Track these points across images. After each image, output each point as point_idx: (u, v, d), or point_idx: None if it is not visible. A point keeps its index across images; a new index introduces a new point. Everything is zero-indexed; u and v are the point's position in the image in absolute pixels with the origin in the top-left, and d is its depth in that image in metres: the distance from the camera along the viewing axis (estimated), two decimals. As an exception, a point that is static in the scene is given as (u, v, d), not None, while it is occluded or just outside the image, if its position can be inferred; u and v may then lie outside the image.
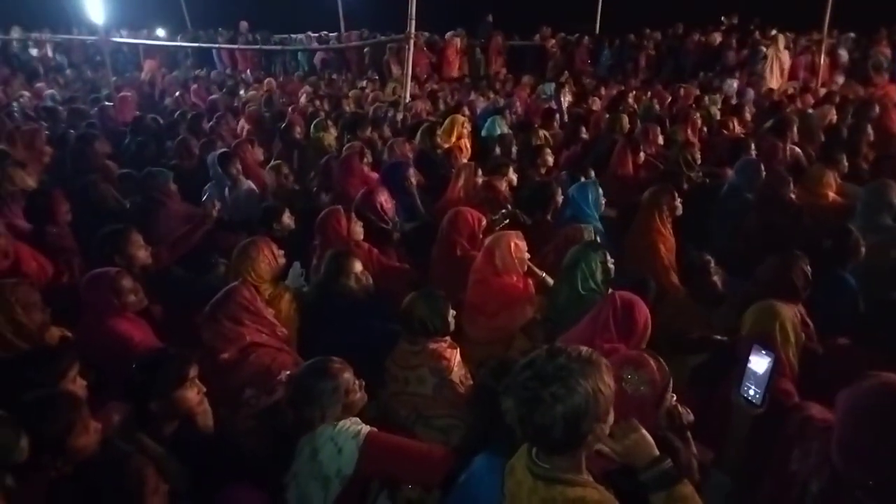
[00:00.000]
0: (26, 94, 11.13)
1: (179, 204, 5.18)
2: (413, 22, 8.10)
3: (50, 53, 15.34)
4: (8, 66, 13.96)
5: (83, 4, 10.98)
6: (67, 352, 2.56)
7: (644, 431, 1.68)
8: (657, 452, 1.67)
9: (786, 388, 2.62)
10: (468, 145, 6.87)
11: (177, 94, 11.20)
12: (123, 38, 14.39)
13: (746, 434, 2.30)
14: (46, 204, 4.34)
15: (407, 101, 8.68)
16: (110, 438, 2.14)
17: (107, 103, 9.62)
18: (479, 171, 5.17)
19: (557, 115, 8.02)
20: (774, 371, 2.16)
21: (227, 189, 5.47)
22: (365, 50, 14.33)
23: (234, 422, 2.76)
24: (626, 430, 1.67)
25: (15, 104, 10.09)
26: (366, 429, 2.30)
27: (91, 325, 3.12)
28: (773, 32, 12.13)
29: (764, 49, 11.50)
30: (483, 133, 7.57)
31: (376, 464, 2.26)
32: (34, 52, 14.64)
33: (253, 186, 5.59)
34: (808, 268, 3.14)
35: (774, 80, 11.37)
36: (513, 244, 3.64)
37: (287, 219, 4.32)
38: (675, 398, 2.27)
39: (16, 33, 14.55)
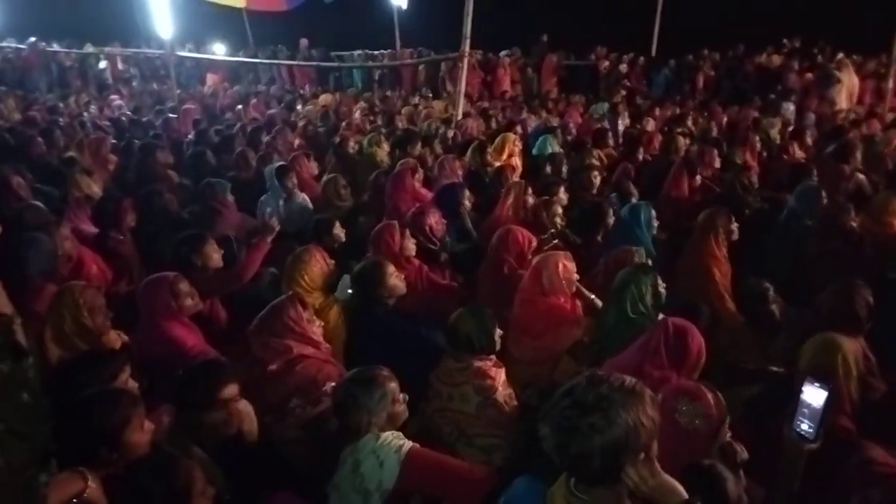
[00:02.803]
0: (94, 105, 11.67)
1: (236, 214, 5.33)
2: (467, 41, 8.17)
3: (120, 66, 16.05)
4: (81, 78, 14.67)
5: (152, 20, 11.49)
6: (120, 354, 2.65)
7: (666, 477, 1.59)
8: (685, 495, 1.59)
9: (845, 425, 2.51)
10: (519, 164, 6.85)
11: (238, 107, 11.53)
12: (188, 54, 14.94)
13: (799, 472, 2.21)
14: (115, 210, 4.53)
15: (459, 118, 8.74)
16: (159, 442, 2.20)
17: (171, 115, 9.99)
18: (529, 190, 5.15)
19: (611, 135, 7.93)
20: (830, 405, 2.07)
21: (281, 201, 5.59)
22: (420, 67, 14.52)
23: (279, 430, 2.80)
24: (644, 476, 1.56)
25: (85, 114, 10.58)
26: (408, 444, 2.30)
27: (146, 330, 3.22)
28: (840, 56, 11.77)
29: (837, 73, 11.15)
30: (534, 152, 7.54)
31: (417, 480, 2.25)
32: (103, 64, 15.33)
33: (307, 199, 5.70)
34: (871, 298, 3.01)
35: (844, 105, 11.00)
36: (561, 265, 3.60)
37: (338, 231, 4.39)
38: (729, 434, 2.20)
39: (89, 48, 15.28)
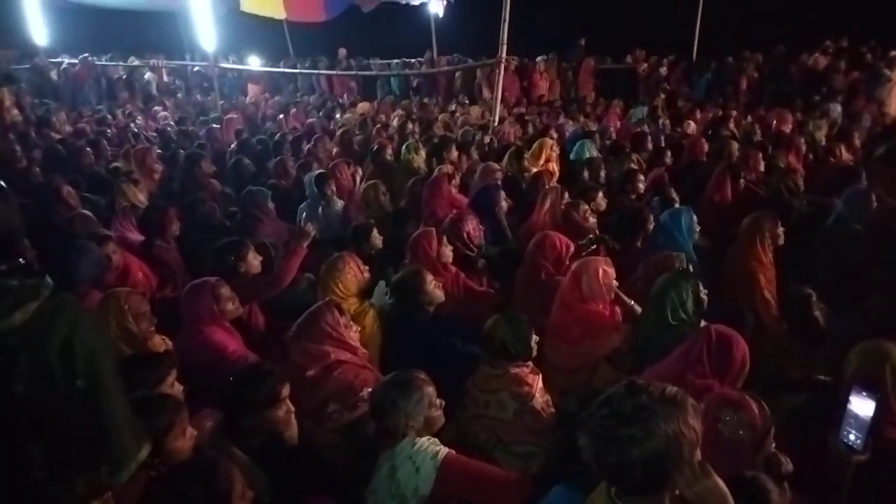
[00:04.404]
0: (140, 116, 12.01)
1: (276, 221, 5.41)
2: (504, 46, 8.17)
3: (165, 78, 16.53)
4: (129, 90, 15.12)
5: (196, 34, 11.81)
6: (167, 358, 2.71)
7: (717, 479, 1.56)
8: (731, 502, 1.55)
9: (893, 437, 2.41)
10: (556, 169, 6.80)
11: (279, 117, 11.73)
12: (231, 65, 15.29)
13: (847, 484, 2.14)
14: (160, 219, 4.65)
15: (496, 124, 8.73)
16: (201, 445, 2.24)
17: (214, 126, 10.21)
18: (566, 195, 5.11)
19: (650, 139, 7.79)
20: (878, 415, 2.00)
21: (320, 208, 5.66)
22: (456, 74, 14.57)
23: (317, 435, 2.83)
24: (697, 476, 1.54)
25: (132, 125, 10.90)
26: (444, 450, 2.31)
27: (189, 335, 3.29)
28: (893, 54, 11.36)
29: (888, 72, 10.75)
30: (571, 157, 7.49)
31: (453, 486, 2.25)
32: (148, 75, 15.80)
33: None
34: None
35: (895, 106, 10.61)
36: (601, 270, 3.56)
37: (375, 238, 4.42)
38: (774, 444, 2.14)
39: (133, 62, 15.79)
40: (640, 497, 1.55)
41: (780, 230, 4.20)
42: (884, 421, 2.30)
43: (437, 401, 2.42)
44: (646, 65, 14.16)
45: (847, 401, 2.06)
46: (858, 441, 2.02)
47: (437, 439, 2.37)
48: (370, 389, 2.66)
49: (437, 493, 2.22)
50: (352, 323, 3.23)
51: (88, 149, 7.55)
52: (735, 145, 6.82)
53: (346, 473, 2.67)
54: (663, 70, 13.82)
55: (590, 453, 1.52)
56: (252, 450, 2.36)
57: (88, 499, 1.62)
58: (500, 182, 5.93)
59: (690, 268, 3.95)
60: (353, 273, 3.69)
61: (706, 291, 3.38)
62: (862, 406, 2.01)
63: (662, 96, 12.15)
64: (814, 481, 2.26)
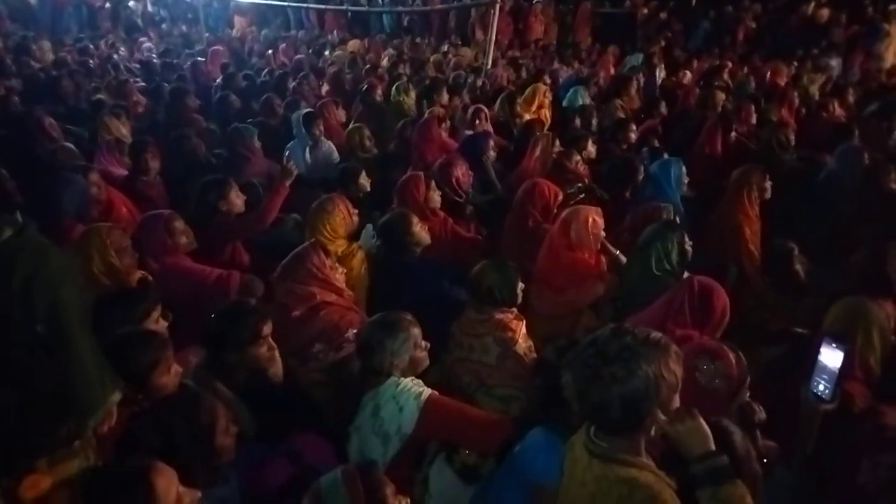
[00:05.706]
0: (122, 47, 11.64)
1: (262, 160, 5.33)
2: (500, -14, 7.95)
3: (150, 8, 15.97)
4: (112, 20, 14.60)
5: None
6: (152, 293, 2.70)
7: (702, 422, 1.63)
8: (713, 446, 1.61)
9: (851, 390, 2.47)
10: (549, 115, 6.72)
11: (269, 52, 11.41)
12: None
13: (814, 432, 2.21)
14: (143, 154, 4.56)
15: (488, 67, 8.55)
16: (186, 381, 2.25)
17: (199, 59, 9.93)
18: (557, 142, 5.06)
19: (637, 85, 7.65)
20: (847, 366, 2.06)
21: (308, 148, 5.57)
22: (450, 13, 14.18)
23: (302, 374, 2.86)
24: (682, 416, 1.61)
25: (115, 56, 10.57)
26: (427, 391, 2.34)
27: (153, 268, 3.27)
28: (893, 7, 11.18)
29: (887, 26, 10.58)
30: (564, 103, 7.38)
31: (435, 426, 2.30)
32: (132, 3, 15.25)
33: (333, 147, 5.67)
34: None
35: (892, 61, 10.46)
36: (591, 219, 3.55)
37: (363, 180, 4.37)
38: (749, 394, 2.19)
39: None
40: (618, 437, 1.61)
41: (768, 184, 4.20)
42: (848, 376, 2.35)
43: (423, 342, 2.45)
44: (645, 10, 13.84)
45: (818, 352, 2.11)
46: (827, 391, 2.08)
47: (420, 381, 2.41)
48: (356, 331, 2.68)
49: (419, 433, 2.27)
50: (338, 265, 3.22)
51: (70, 80, 7.33)
52: (721, 96, 6.75)
53: (330, 412, 2.71)
54: (663, 15, 13.53)
55: (573, 391, 1.57)
56: (237, 386, 2.38)
57: (65, 443, 1.61)
58: (488, 125, 5.82)
59: (677, 219, 3.96)
60: (342, 215, 3.66)
61: (691, 243, 3.40)
62: (831, 357, 2.06)
63: (662, 43, 11.94)
64: (785, 429, 2.33)
